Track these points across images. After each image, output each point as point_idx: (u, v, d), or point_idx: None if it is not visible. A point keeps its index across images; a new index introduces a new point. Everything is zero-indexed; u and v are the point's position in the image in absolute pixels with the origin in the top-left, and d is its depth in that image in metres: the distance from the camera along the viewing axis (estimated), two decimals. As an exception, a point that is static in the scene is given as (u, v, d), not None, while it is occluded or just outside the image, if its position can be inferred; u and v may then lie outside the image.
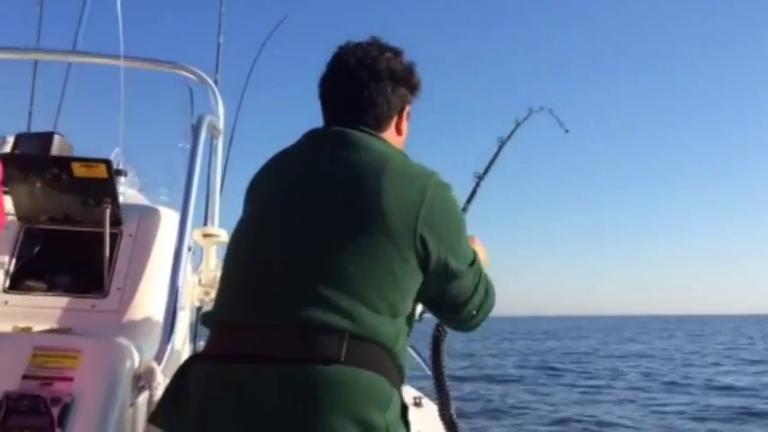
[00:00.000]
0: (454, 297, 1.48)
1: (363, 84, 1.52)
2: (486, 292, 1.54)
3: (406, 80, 1.58)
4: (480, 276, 1.52)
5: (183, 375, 1.38)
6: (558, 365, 23.04)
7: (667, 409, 13.11)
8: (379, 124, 1.53)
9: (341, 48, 1.58)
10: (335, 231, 1.34)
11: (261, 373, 1.24)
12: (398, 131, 1.60)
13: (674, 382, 17.34)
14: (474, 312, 1.53)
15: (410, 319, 1.43)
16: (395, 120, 1.58)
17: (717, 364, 23.27)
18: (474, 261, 1.49)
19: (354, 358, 1.24)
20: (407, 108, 1.61)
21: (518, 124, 2.44)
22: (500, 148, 2.39)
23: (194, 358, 1.41)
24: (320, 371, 1.21)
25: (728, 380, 17.67)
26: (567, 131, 2.61)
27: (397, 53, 1.57)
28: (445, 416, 2.05)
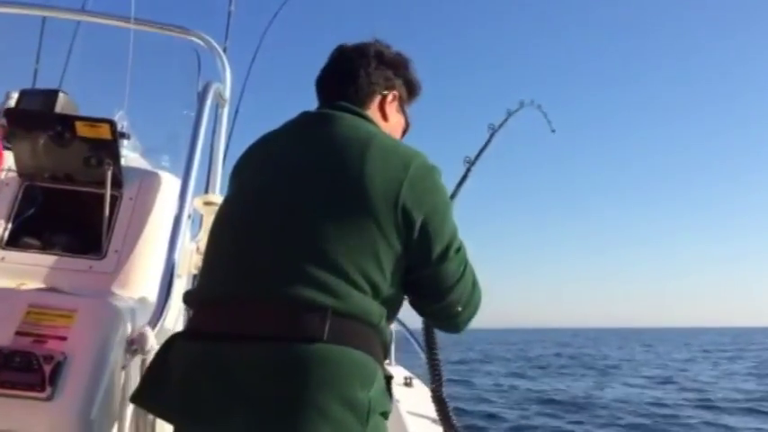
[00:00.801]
0: (436, 282, 1.43)
1: (349, 59, 1.58)
2: (473, 286, 1.50)
3: (394, 65, 1.61)
4: (466, 266, 1.48)
5: (165, 354, 1.38)
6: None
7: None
8: (360, 99, 1.55)
9: (340, 44, 1.64)
10: (319, 209, 1.33)
11: (245, 352, 1.24)
12: (384, 116, 1.60)
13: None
14: (459, 308, 1.48)
15: (397, 297, 1.41)
16: (378, 99, 1.59)
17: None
18: (460, 249, 1.46)
19: (338, 336, 1.23)
20: (394, 94, 1.62)
21: (510, 114, 2.47)
22: (491, 135, 2.42)
23: (175, 336, 1.40)
24: (304, 349, 1.21)
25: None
26: (553, 131, 2.65)
27: (397, 51, 1.63)
28: (436, 394, 2.06)
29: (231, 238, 1.41)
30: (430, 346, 2.09)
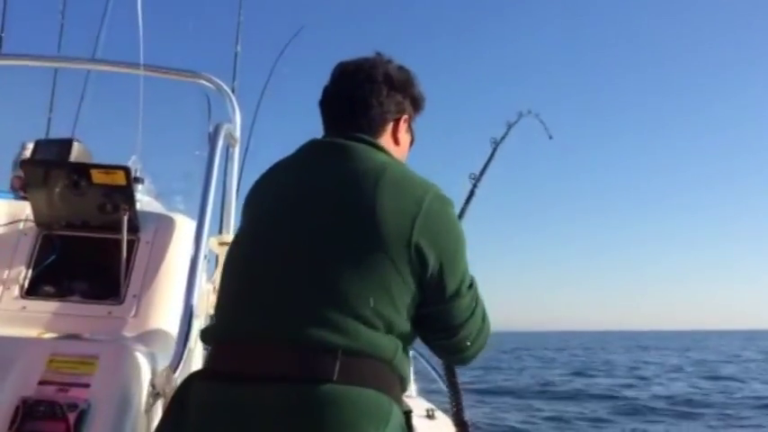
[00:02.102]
0: (448, 319, 1.42)
1: (358, 85, 1.51)
2: (482, 322, 1.49)
3: (404, 88, 1.56)
4: (478, 303, 1.47)
5: (182, 395, 1.37)
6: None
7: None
8: (372, 129, 1.51)
9: (342, 61, 1.58)
10: (330, 245, 1.32)
11: (258, 393, 1.23)
12: (396, 140, 1.57)
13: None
14: (468, 343, 1.47)
15: (412, 330, 1.38)
16: (390, 126, 1.55)
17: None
18: (472, 285, 1.45)
19: (350, 376, 1.22)
20: (405, 117, 1.58)
21: (510, 126, 2.46)
22: (494, 149, 2.40)
23: (193, 377, 1.40)
24: (314, 390, 1.20)
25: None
26: (550, 137, 2.64)
27: (400, 66, 1.57)
28: (459, 419, 2.04)
29: (240, 275, 1.41)
30: (449, 370, 2.07)
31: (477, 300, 1.46)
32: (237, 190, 2.69)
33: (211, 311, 2.33)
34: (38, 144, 2.39)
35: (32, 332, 1.80)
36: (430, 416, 3.58)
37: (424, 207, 1.35)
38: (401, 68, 1.58)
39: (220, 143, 2.08)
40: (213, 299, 2.26)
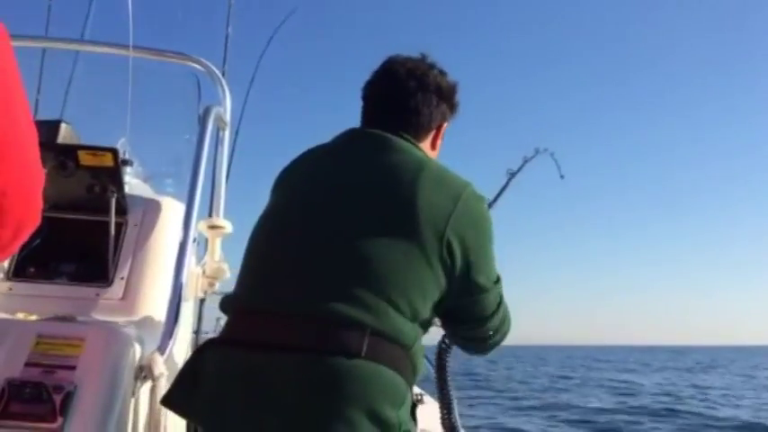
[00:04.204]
0: (475, 312, 1.48)
1: (411, 92, 1.55)
2: (505, 317, 1.56)
3: (449, 98, 1.62)
4: (502, 298, 1.53)
5: (196, 360, 1.39)
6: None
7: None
8: (418, 134, 1.56)
9: (391, 58, 1.61)
10: (366, 229, 1.34)
11: (279, 362, 1.25)
12: (433, 146, 1.63)
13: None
14: (491, 333, 1.54)
15: (430, 322, 1.43)
16: (432, 134, 1.61)
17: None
18: (498, 280, 1.50)
19: (375, 354, 1.25)
20: (445, 126, 1.64)
21: (526, 161, 2.56)
22: (509, 179, 2.51)
23: (209, 343, 1.42)
24: (341, 363, 1.22)
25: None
26: (562, 177, 2.71)
27: (443, 72, 1.62)
28: (446, 422, 2.06)
29: (275, 247, 1.42)
30: (440, 373, 2.09)
31: (501, 296, 1.53)
32: (228, 173, 2.68)
33: (201, 295, 2.33)
34: (25, 125, 2.36)
35: (19, 314, 1.79)
36: (418, 400, 3.60)
37: (459, 205, 1.39)
38: (446, 76, 1.62)
39: (210, 126, 2.07)
40: (203, 282, 2.26)
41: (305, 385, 1.22)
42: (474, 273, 1.41)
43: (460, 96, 1.66)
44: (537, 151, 2.60)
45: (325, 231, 1.37)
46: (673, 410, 14.44)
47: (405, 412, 1.28)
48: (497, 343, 1.60)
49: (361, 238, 1.33)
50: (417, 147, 1.53)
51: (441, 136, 1.65)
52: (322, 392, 1.21)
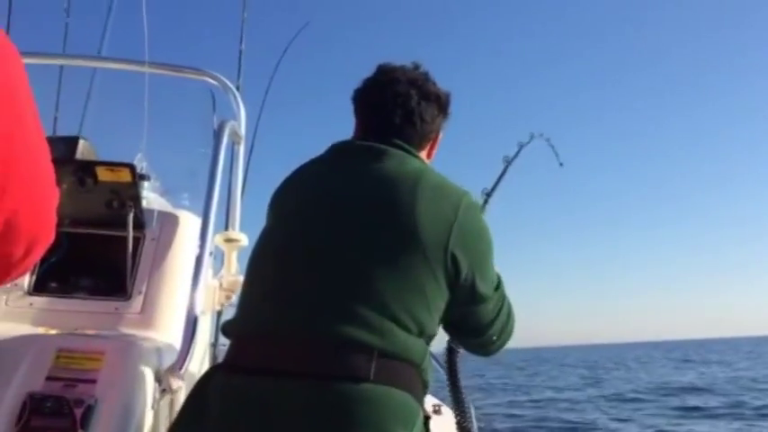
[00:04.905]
0: (477, 320, 1.49)
1: (416, 102, 1.55)
2: (507, 318, 1.56)
3: (446, 109, 1.63)
4: (503, 301, 1.53)
5: (203, 387, 1.37)
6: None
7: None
8: (419, 143, 1.56)
9: (385, 65, 1.60)
10: (368, 246, 1.33)
11: (286, 388, 1.23)
12: (429, 155, 1.64)
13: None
14: (495, 338, 1.55)
15: (435, 333, 1.42)
16: (430, 144, 1.62)
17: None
18: (499, 285, 1.51)
19: (383, 376, 1.23)
20: (441, 136, 1.66)
21: (521, 146, 2.52)
22: (507, 166, 2.46)
23: (215, 369, 1.40)
24: (350, 388, 1.21)
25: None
26: (561, 164, 2.67)
27: (435, 82, 1.62)
28: (463, 426, 2.04)
29: (274, 269, 1.41)
30: (452, 375, 2.08)
31: (503, 299, 1.53)
32: (243, 187, 2.69)
33: (218, 308, 2.34)
34: (44, 141, 2.39)
35: (39, 328, 1.81)
36: (436, 411, 3.58)
37: (460, 215, 1.39)
38: (446, 91, 1.63)
39: (225, 140, 2.08)
40: (220, 295, 2.27)
41: (314, 412, 1.20)
42: (477, 281, 1.41)
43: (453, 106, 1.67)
44: (532, 136, 2.55)
45: (324, 251, 1.35)
46: None
47: (417, 430, 1.26)
48: (502, 345, 1.61)
49: (364, 256, 1.32)
50: (415, 155, 1.52)
51: (436, 145, 1.66)
52: (332, 419, 1.19)
